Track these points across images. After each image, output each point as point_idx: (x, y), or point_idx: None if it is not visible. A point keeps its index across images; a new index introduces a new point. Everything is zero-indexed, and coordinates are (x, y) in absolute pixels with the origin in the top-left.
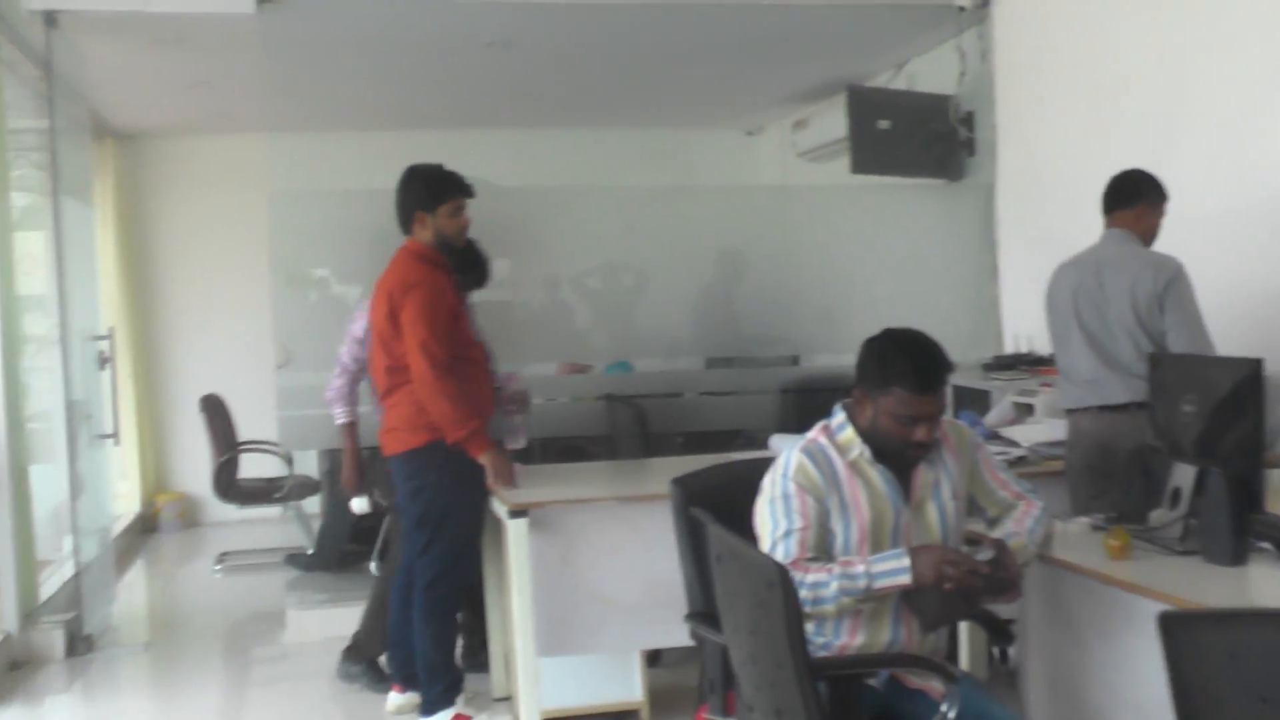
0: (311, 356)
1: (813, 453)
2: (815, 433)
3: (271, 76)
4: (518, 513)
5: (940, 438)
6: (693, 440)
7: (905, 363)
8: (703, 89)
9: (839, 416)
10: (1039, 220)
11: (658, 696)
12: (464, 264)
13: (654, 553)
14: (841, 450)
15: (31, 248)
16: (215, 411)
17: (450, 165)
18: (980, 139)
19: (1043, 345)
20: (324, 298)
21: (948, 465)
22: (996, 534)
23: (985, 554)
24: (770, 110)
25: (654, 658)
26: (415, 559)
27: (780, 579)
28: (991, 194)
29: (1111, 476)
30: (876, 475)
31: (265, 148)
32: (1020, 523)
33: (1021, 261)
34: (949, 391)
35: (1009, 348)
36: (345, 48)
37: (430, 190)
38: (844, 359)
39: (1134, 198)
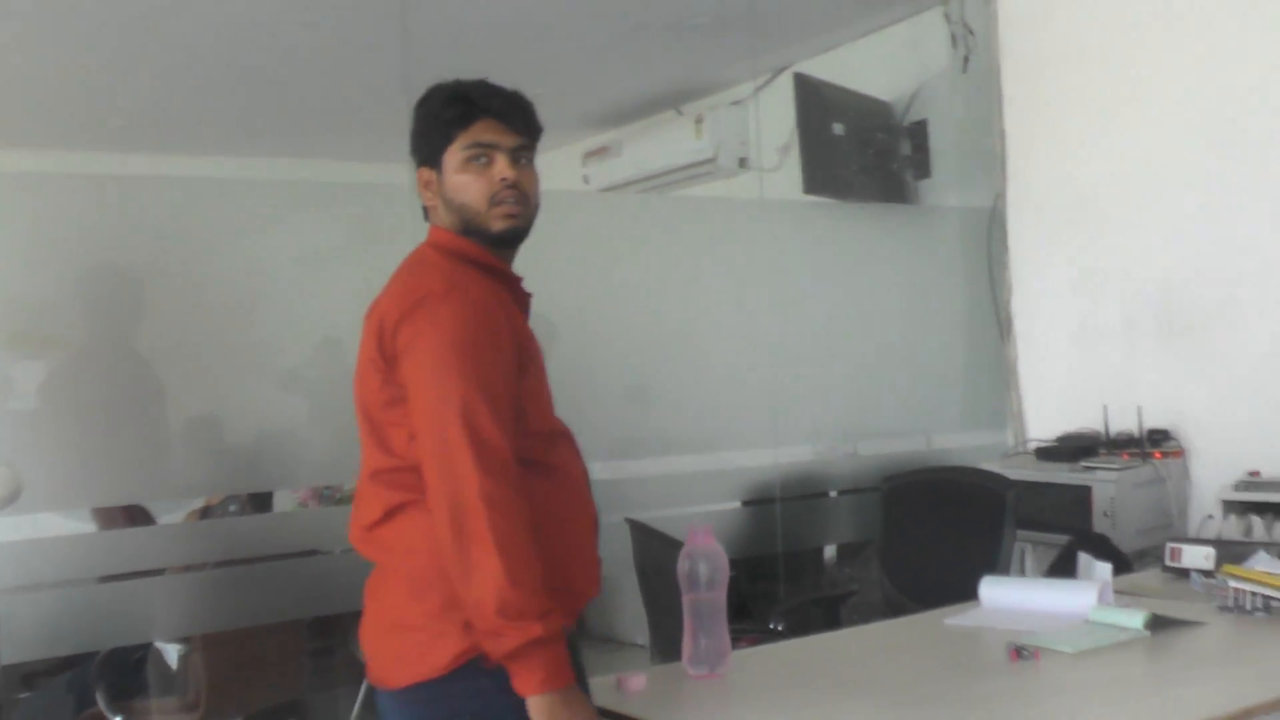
0: (62, 485)
1: None
2: None
3: None
4: None
5: None
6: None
7: None
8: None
9: None
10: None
11: None
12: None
13: None
14: None
15: None
16: None
17: None
18: (935, 155)
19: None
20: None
21: None
22: None
23: None
24: None
25: None
26: None
27: None
28: (1000, 219)
29: None
30: None
31: None
32: None
33: (1055, 308)
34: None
35: (1042, 429)
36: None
37: (430, 124)
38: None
39: None
